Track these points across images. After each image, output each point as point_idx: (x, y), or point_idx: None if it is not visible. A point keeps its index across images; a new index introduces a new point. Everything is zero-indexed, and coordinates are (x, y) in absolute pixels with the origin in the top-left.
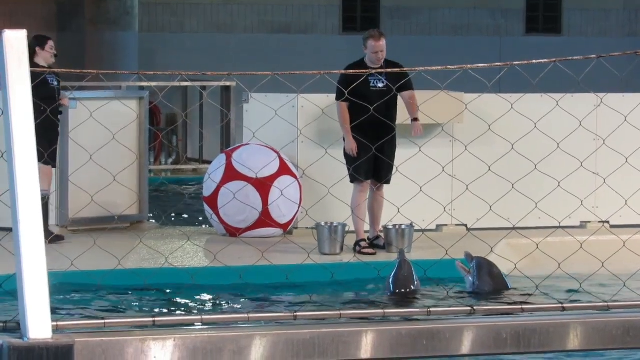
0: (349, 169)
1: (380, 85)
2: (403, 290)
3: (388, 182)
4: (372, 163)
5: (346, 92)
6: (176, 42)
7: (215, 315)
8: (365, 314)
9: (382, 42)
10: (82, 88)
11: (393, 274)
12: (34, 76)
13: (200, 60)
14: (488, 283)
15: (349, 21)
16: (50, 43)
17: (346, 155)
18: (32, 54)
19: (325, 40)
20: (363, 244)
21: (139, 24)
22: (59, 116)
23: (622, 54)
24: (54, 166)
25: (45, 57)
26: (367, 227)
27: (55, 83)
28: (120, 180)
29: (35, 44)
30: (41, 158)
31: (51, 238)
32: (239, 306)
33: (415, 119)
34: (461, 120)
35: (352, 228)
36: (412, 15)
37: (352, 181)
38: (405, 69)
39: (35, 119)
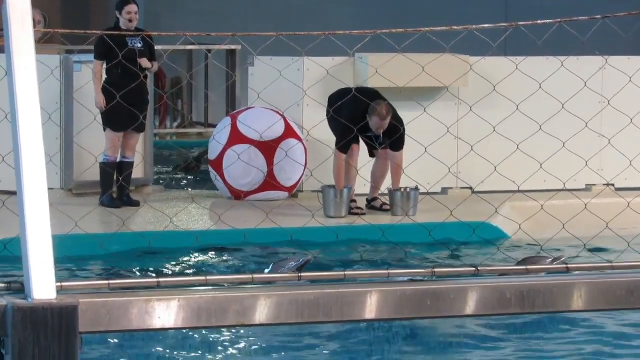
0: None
1: (374, 139)
2: None
3: (395, 149)
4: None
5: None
6: (181, 5)
7: (220, 276)
8: (370, 275)
9: (387, 122)
10: (87, 51)
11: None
12: (113, 38)
13: (206, 23)
14: None
15: None
16: (127, 8)
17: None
18: (117, 19)
19: (333, 1)
20: (354, 204)
21: None
22: (146, 79)
23: (627, 15)
24: (139, 131)
25: (123, 21)
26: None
27: (139, 45)
28: None
29: (116, 8)
30: (124, 124)
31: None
32: (243, 267)
33: (396, 190)
34: (466, 82)
35: (357, 190)
36: None
37: (336, 146)
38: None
39: (113, 81)
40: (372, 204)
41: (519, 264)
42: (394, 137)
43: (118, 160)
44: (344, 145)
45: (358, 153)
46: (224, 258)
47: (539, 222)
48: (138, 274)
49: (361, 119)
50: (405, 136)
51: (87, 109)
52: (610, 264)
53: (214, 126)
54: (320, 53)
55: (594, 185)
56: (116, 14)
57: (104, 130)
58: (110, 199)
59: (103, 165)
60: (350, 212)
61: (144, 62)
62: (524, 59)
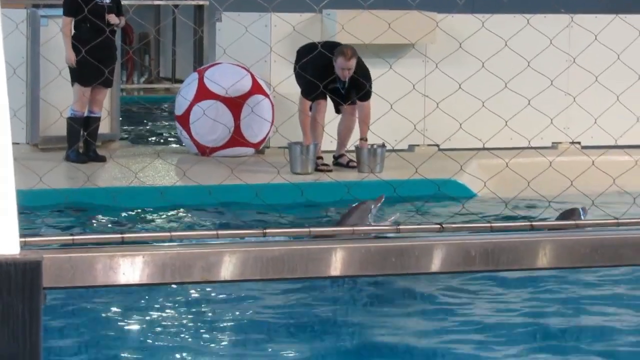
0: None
1: (340, 88)
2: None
3: (364, 98)
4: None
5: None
6: None
7: (185, 232)
8: (335, 232)
9: (352, 62)
10: (54, 5)
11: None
12: None
13: None
14: None
15: None
16: None
17: (305, 71)
18: None
19: None
20: (320, 160)
21: None
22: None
23: None
24: (107, 86)
25: None
26: (334, 146)
27: (107, 0)
28: None
29: None
30: (92, 79)
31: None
32: (208, 223)
33: (362, 139)
34: (433, 39)
35: (323, 147)
36: None
37: (301, 93)
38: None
39: (82, 37)
40: (339, 161)
41: (557, 218)
42: (361, 89)
43: (85, 115)
44: (310, 96)
45: (325, 109)
46: (189, 214)
47: (505, 179)
48: (103, 229)
49: (328, 73)
50: (373, 92)
51: (54, 64)
52: (574, 223)
53: (181, 81)
54: (288, 9)
55: (560, 143)
56: None
57: (72, 85)
58: (76, 154)
59: (70, 120)
60: (317, 169)
61: (112, 18)
62: (490, 16)
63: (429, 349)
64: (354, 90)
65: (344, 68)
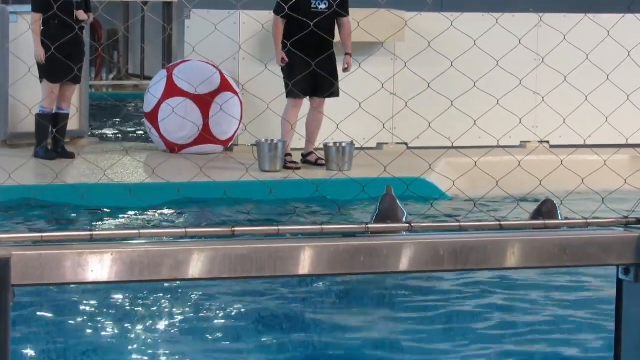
0: (286, 84)
1: (322, 6)
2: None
3: (334, 95)
4: (310, 80)
5: (286, 8)
6: None
7: (153, 229)
8: (303, 230)
9: None
10: (23, 2)
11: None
12: None
13: None
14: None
15: None
16: None
17: (284, 69)
18: None
19: None
20: (288, 158)
21: None
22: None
23: None
24: (75, 82)
25: None
26: (303, 143)
27: None
28: None
29: None
30: (61, 75)
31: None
32: (177, 221)
33: (348, 54)
34: (402, 38)
35: (292, 145)
36: None
37: (288, 96)
38: None
39: (50, 33)
40: (307, 159)
41: (534, 212)
42: (344, 2)
43: (54, 111)
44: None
45: (299, 108)
46: (158, 211)
47: (474, 178)
48: (71, 226)
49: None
50: (341, 91)
51: (22, 61)
52: (543, 222)
53: (150, 78)
54: (257, 6)
55: (529, 142)
56: None
57: (40, 81)
58: (45, 151)
59: (39, 117)
60: (285, 166)
61: (81, 15)
62: (459, 15)
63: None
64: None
65: None
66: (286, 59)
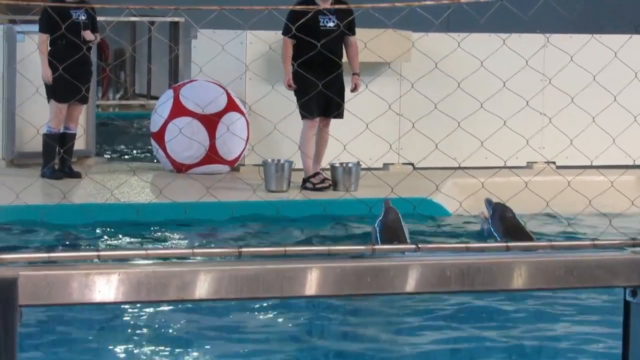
0: (302, 106)
1: (330, 24)
2: (391, 237)
3: (340, 116)
4: (321, 100)
5: (293, 29)
6: None
7: (160, 250)
8: (310, 251)
9: None
10: (30, 21)
11: (379, 221)
12: (57, 10)
13: None
14: (500, 227)
15: None
16: None
17: (297, 92)
18: None
19: None
20: (314, 180)
21: None
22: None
23: None
24: (83, 102)
25: None
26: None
27: (83, 17)
28: None
29: None
30: (68, 95)
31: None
32: (184, 241)
33: (355, 74)
34: (409, 58)
35: (298, 165)
36: None
37: (304, 117)
38: (352, 6)
39: (57, 53)
40: (311, 180)
41: (493, 212)
42: (349, 14)
43: (61, 131)
44: (308, 109)
45: (315, 131)
46: (165, 232)
47: (480, 199)
48: (78, 246)
49: (311, 3)
50: (348, 112)
51: (29, 81)
52: (550, 244)
53: (157, 98)
54: (264, 27)
55: (535, 162)
56: None
57: (48, 101)
58: (51, 171)
59: (46, 137)
60: (315, 188)
61: (88, 35)
62: (466, 36)
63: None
64: (344, 19)
65: None
66: (293, 86)
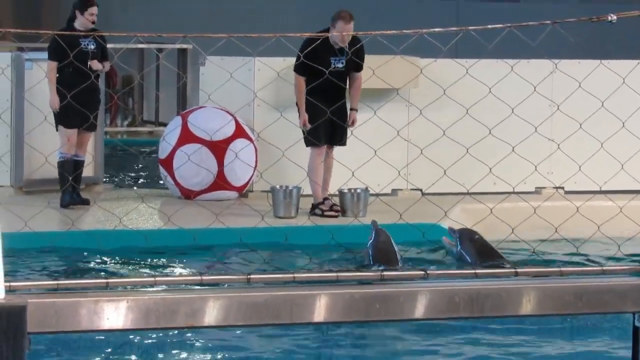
0: (304, 133)
1: (339, 65)
2: (384, 258)
3: (344, 143)
4: (328, 128)
5: (305, 70)
6: (133, 4)
7: (169, 277)
8: (319, 277)
9: (351, 25)
10: (38, 49)
11: (371, 243)
12: (66, 38)
13: (158, 22)
14: (471, 249)
15: None
16: (91, 10)
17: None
18: (72, 17)
19: (283, 2)
20: (324, 207)
21: None
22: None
23: (577, 21)
24: (91, 130)
25: (83, 22)
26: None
27: (92, 47)
28: None
29: (76, 6)
30: (76, 122)
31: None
32: (192, 268)
33: (353, 109)
34: (417, 84)
35: (306, 191)
36: None
37: (308, 145)
38: (360, 33)
39: (65, 80)
40: (320, 207)
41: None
42: (360, 54)
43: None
44: (316, 136)
45: (322, 158)
46: (174, 258)
47: (489, 225)
48: (87, 274)
49: (325, 42)
50: (356, 138)
51: (38, 108)
52: (559, 270)
53: (165, 125)
54: (272, 53)
55: (544, 188)
56: (76, 12)
57: (56, 129)
58: (70, 196)
59: (61, 165)
60: (324, 215)
61: (95, 65)
62: (474, 62)
63: None
64: (353, 60)
65: (343, 33)
66: (309, 125)
